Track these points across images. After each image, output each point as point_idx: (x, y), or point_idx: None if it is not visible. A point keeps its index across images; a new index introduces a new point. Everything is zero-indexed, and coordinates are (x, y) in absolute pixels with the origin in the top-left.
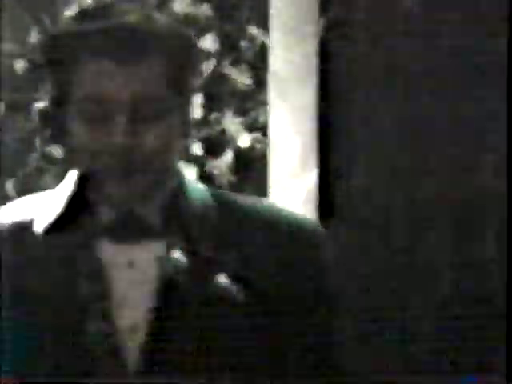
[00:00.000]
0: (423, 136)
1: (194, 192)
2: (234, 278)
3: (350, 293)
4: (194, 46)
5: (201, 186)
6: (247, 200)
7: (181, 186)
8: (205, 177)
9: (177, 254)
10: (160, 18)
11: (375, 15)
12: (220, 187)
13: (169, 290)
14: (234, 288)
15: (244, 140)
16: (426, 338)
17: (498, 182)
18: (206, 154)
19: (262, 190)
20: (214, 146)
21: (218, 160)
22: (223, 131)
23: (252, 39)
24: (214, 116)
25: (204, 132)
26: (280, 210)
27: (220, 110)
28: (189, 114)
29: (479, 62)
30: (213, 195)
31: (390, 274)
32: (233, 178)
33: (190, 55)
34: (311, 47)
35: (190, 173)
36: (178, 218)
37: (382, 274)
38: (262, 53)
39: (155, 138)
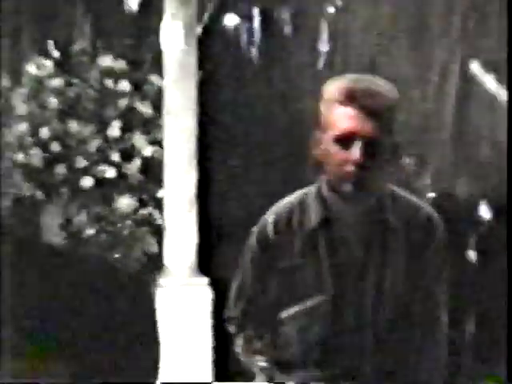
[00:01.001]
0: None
1: None
2: None
3: None
4: None
5: None
6: None
7: None
8: (121, 176)
9: None
10: None
11: (234, 70)
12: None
13: None
14: None
15: (147, 151)
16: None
17: None
18: (122, 160)
19: (159, 185)
20: (127, 155)
21: (130, 164)
22: (133, 145)
23: (153, 84)
24: (127, 135)
25: (121, 145)
26: None
27: (131, 130)
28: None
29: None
30: None
31: None
32: (140, 177)
33: None
34: (193, 89)
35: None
36: None
37: None
38: (160, 93)
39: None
